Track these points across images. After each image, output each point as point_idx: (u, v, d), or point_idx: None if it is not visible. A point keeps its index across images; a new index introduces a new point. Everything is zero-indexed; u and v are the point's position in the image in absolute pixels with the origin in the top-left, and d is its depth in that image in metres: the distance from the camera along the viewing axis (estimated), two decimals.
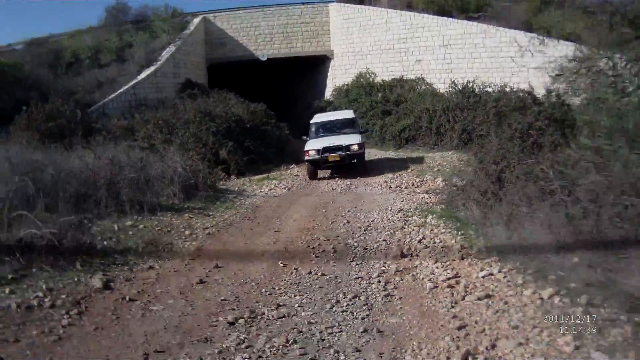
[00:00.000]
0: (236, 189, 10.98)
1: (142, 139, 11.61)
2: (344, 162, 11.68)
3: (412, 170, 11.86)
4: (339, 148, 11.56)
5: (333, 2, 21.56)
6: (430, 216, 7.16)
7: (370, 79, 19.16)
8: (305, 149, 11.92)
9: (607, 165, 4.32)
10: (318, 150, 11.63)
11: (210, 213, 8.25)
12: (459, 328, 3.78)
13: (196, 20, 21.58)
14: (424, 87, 17.85)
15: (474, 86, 14.58)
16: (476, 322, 3.85)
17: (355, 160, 11.82)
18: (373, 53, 19.65)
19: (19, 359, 3.47)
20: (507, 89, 13.33)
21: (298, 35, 21.57)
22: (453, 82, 15.17)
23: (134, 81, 17.14)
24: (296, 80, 23.36)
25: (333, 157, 11.53)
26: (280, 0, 22.83)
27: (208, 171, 10.14)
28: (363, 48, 20.00)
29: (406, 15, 19.01)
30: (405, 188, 9.96)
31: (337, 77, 20.81)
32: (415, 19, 18.65)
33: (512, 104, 10.44)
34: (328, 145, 11.64)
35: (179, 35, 20.35)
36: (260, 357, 3.58)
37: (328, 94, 21.02)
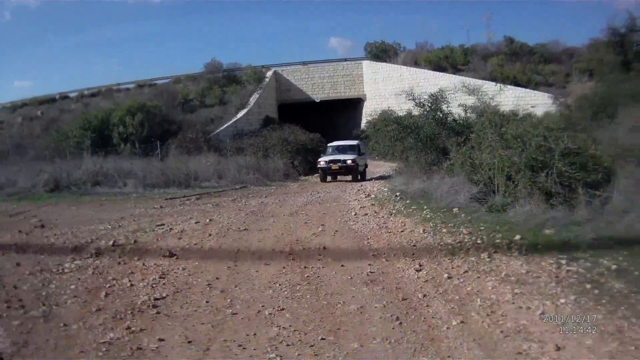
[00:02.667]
0: (302, 179, 22.47)
1: (252, 154, 23.37)
2: (341, 171, 19.59)
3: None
4: (338, 161, 19.57)
5: (365, 59, 33.34)
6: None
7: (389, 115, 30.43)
8: (319, 160, 20.18)
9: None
10: (326, 162, 19.66)
11: (295, 183, 19.71)
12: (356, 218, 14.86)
13: (269, 73, 33.71)
14: None
15: None
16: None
17: (349, 170, 19.54)
18: (392, 96, 30.89)
19: None
20: None
21: (340, 83, 33.33)
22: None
23: (234, 119, 29.13)
24: (340, 115, 34.89)
25: (334, 166, 19.52)
26: (328, 57, 34.84)
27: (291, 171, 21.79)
28: (385, 93, 31.17)
29: (413, 70, 30.19)
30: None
31: (368, 113, 32.16)
32: (418, 73, 29.77)
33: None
34: (332, 159, 19.70)
35: (259, 85, 32.48)
36: None
37: (363, 125, 32.22)
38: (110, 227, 9.70)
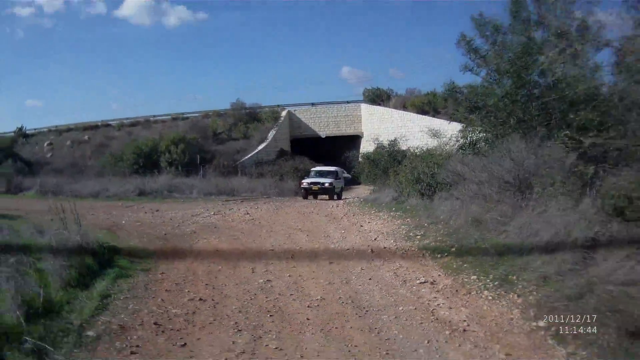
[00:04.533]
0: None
1: (271, 177, 33.25)
2: (319, 191, 25.78)
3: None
4: (318, 183, 25.98)
5: (363, 102, 43.55)
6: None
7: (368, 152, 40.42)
8: (302, 181, 26.95)
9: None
10: (308, 183, 26.09)
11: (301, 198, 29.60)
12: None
13: (284, 113, 43.88)
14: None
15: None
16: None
17: (327, 191, 25.79)
18: (384, 134, 40.81)
19: None
20: None
21: (342, 122, 43.44)
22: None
23: (256, 150, 39.08)
24: (342, 148, 44.70)
25: (315, 187, 25.80)
26: (332, 99, 45.14)
27: None
28: (379, 131, 41.03)
29: (401, 113, 40.14)
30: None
31: (365, 147, 42.05)
32: (405, 115, 39.67)
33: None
34: (313, 181, 26.20)
35: (276, 123, 42.63)
36: None
37: (360, 157, 42.16)
38: (202, 210, 19.52)
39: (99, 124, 50.44)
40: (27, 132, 49.84)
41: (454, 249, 9.45)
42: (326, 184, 26.25)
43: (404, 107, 41.40)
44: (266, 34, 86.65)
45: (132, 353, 5.23)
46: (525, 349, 5.10)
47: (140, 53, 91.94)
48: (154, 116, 49.06)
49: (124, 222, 15.39)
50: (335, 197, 26.18)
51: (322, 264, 9.25)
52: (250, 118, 44.28)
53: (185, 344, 5.51)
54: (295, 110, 44.68)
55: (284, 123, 43.02)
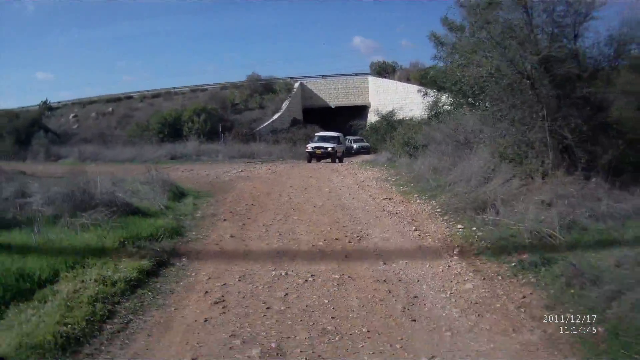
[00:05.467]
0: None
1: (286, 143, 38.45)
2: (323, 155, 29.99)
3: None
4: (321, 147, 30.32)
5: (370, 75, 48.37)
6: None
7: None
8: (307, 145, 31.72)
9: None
10: (312, 147, 30.54)
11: None
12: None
13: (296, 85, 48.85)
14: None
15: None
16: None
17: (329, 155, 30.23)
18: (389, 105, 45.66)
19: None
20: None
21: (351, 93, 48.36)
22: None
23: (271, 120, 44.20)
24: (350, 117, 49.82)
25: (318, 151, 30.15)
26: (342, 72, 50.03)
27: None
28: (385, 102, 45.94)
29: (405, 85, 44.83)
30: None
31: (371, 117, 47.05)
32: (408, 87, 44.24)
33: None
34: (316, 146, 30.66)
35: (289, 94, 47.65)
36: None
37: (367, 125, 47.19)
38: (230, 169, 24.76)
39: (122, 96, 55.50)
40: (51, 105, 55.09)
41: (412, 185, 14.70)
42: (329, 148, 30.44)
43: (408, 80, 46.11)
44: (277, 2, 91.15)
45: (224, 220, 10.63)
46: (423, 220, 10.37)
47: (151, 25, 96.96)
48: (174, 88, 54.22)
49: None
50: (337, 160, 30.14)
51: (324, 192, 14.69)
52: (265, 89, 49.34)
53: (249, 217, 10.90)
54: (307, 82, 49.61)
55: (297, 94, 48.02)
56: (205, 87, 53.15)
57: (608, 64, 10.43)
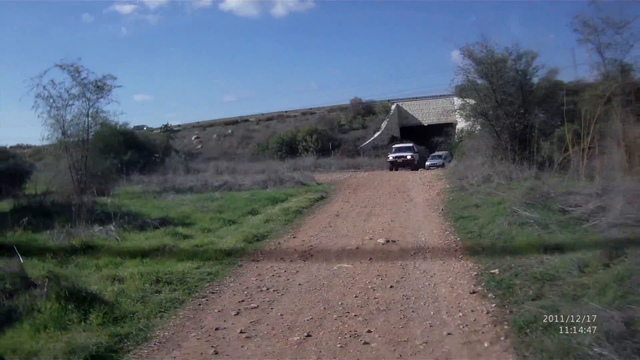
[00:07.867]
0: None
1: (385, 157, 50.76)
2: (402, 163, 41.50)
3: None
4: (402, 157, 41.93)
5: (454, 96, 59.73)
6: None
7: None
8: (388, 155, 43.55)
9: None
10: (393, 157, 42.25)
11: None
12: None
13: (393, 107, 61.13)
14: None
15: None
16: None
17: (408, 162, 41.34)
18: None
19: None
20: None
21: (440, 113, 59.82)
22: None
23: (372, 138, 56.59)
24: (440, 134, 61.26)
25: (399, 160, 41.81)
26: (432, 94, 61.79)
27: None
28: None
29: None
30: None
31: (457, 133, 58.07)
32: None
33: None
34: (397, 155, 42.40)
35: (387, 115, 59.99)
36: None
37: (456, 138, 58.20)
38: (341, 175, 37.49)
39: (238, 119, 69.83)
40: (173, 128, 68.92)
41: (447, 176, 26.79)
42: (408, 157, 40.40)
43: None
44: (373, 17, 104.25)
45: (346, 190, 23.66)
46: (438, 186, 22.79)
47: (247, 45, 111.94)
48: (286, 112, 68.51)
49: None
50: (415, 167, 39.41)
51: (399, 181, 27.16)
52: (366, 112, 62.31)
53: (356, 191, 23.99)
54: (402, 104, 61.93)
55: (394, 115, 60.48)
56: (313, 110, 66.95)
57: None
